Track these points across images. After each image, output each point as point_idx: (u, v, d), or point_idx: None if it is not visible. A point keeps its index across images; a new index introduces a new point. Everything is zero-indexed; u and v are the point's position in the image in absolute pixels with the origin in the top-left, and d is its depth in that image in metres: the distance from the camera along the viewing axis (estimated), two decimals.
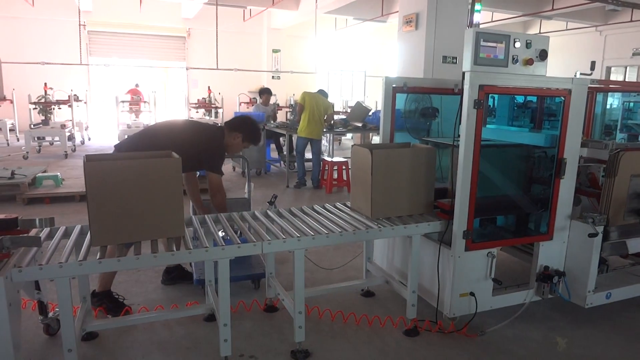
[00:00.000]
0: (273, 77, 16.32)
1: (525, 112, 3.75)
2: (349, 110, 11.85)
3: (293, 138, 7.90)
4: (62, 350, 2.48)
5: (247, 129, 3.46)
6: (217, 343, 2.59)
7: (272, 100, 9.57)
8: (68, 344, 2.24)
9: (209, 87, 13.91)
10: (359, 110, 8.97)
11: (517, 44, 2.78)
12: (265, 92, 9.45)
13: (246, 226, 2.80)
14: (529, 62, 2.82)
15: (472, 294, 2.95)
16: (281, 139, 9.61)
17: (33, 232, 2.52)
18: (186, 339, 2.89)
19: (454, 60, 7.23)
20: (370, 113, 9.05)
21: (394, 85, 3.43)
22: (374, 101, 14.03)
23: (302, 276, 2.62)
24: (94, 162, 2.32)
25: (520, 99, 3.75)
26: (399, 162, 2.93)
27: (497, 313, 3.07)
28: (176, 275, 3.59)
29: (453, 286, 2.91)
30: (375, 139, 10.36)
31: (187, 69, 15.67)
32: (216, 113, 13.53)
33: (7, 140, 11.39)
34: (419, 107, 3.76)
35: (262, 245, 2.48)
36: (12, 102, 11.23)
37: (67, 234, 2.58)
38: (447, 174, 3.35)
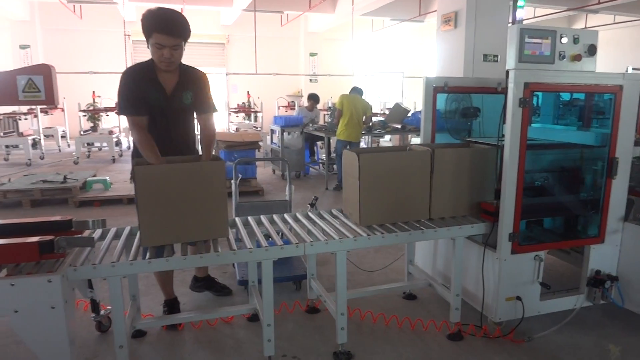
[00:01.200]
0: (310, 80, 16.43)
1: (571, 110, 3.62)
2: (387, 112, 11.79)
3: (332, 140, 7.92)
4: (113, 347, 2.58)
5: (143, 22, 2.72)
6: (261, 343, 2.63)
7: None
8: (119, 341, 2.32)
9: (247, 91, 14.16)
10: (398, 112, 8.90)
11: (564, 40, 2.69)
12: (312, 98, 9.56)
13: (288, 228, 2.83)
14: (576, 57, 2.72)
15: (518, 298, 2.87)
16: (319, 143, 9.67)
17: (86, 233, 2.63)
18: (230, 338, 2.94)
19: (495, 59, 7.07)
20: (409, 114, 8.97)
21: (434, 85, 3.39)
22: (412, 102, 13.90)
23: (344, 278, 2.62)
24: (143, 167, 2.41)
25: (566, 96, 3.62)
26: (402, 166, 2.82)
27: (545, 319, 2.98)
28: (202, 285, 3.52)
29: (499, 290, 2.84)
30: (414, 140, 10.25)
31: (226, 75, 16.00)
32: (255, 117, 13.74)
33: (59, 146, 11.96)
34: (459, 107, 3.70)
35: (304, 246, 2.50)
36: (63, 110, 11.80)
37: (117, 235, 2.69)
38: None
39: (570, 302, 3.01)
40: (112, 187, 6.93)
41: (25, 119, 11.41)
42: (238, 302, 3.47)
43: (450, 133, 3.68)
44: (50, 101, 2.21)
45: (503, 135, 2.78)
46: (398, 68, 18.00)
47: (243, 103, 14.04)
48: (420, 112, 9.01)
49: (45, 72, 2.18)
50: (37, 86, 2.17)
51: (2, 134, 10.50)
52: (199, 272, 3.49)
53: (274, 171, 8.98)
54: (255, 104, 14.09)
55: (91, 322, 3.01)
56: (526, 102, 2.62)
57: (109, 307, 3.00)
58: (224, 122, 14.21)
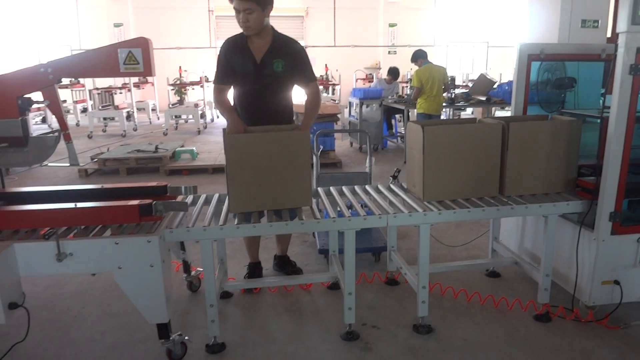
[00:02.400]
0: (389, 52, 16.06)
1: None
2: (469, 85, 11.27)
3: (411, 113, 7.73)
4: (203, 306, 2.75)
5: None
6: (340, 310, 2.68)
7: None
8: (210, 300, 2.46)
9: (326, 64, 14.12)
10: (483, 83, 8.47)
11: None
12: (392, 72, 9.37)
13: (370, 199, 2.82)
14: None
15: (616, 282, 2.67)
16: (397, 115, 9.48)
17: (179, 199, 2.80)
18: (311, 305, 3.03)
19: (595, 24, 6.45)
20: (494, 86, 8.51)
21: (529, 53, 3.16)
22: (498, 74, 13.16)
23: (427, 251, 2.57)
24: (232, 135, 2.49)
25: None
26: (467, 139, 2.67)
27: None
28: (276, 264, 3.53)
29: (594, 273, 2.66)
30: (498, 114, 9.74)
31: (305, 47, 16.06)
32: (333, 90, 13.72)
33: (150, 118, 12.75)
34: (552, 78, 3.44)
35: (387, 218, 2.48)
36: (153, 84, 12.52)
37: (207, 201, 2.83)
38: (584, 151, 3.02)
39: None
40: (198, 157, 7.30)
41: (120, 93, 12.26)
42: (318, 270, 3.55)
43: (542, 105, 3.43)
44: (147, 73, 2.31)
45: (606, 107, 2.55)
46: (483, 38, 17.04)
47: (321, 76, 14.05)
48: (506, 83, 8.55)
49: (143, 45, 2.28)
50: (136, 58, 2.28)
51: (100, 107, 11.37)
52: (279, 249, 3.53)
53: (351, 144, 8.97)
54: (333, 77, 14.05)
55: (182, 282, 3.23)
56: (638, 69, 2.37)
57: (199, 269, 3.20)
58: (302, 95, 14.34)
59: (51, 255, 2.13)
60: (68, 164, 2.50)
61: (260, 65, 2.91)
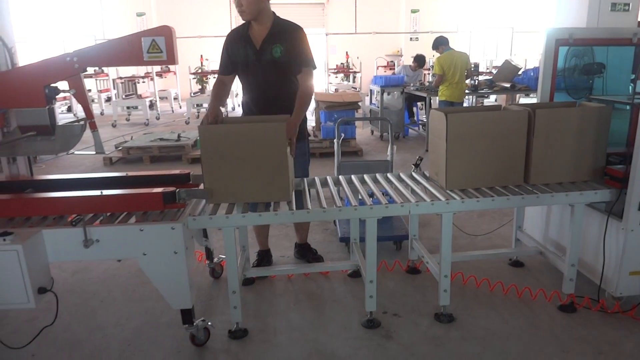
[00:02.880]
0: (411, 38, 15.81)
1: None
2: (493, 71, 11.05)
3: (433, 101, 7.62)
4: (225, 292, 2.79)
5: None
6: (360, 298, 2.68)
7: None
8: (233, 287, 2.50)
9: (346, 52, 14.02)
10: (508, 70, 8.29)
11: None
12: (418, 60, 9.27)
13: (392, 187, 2.80)
14: None
15: None
16: (418, 103, 9.37)
17: (201, 186, 2.82)
18: (332, 292, 3.04)
19: (626, 7, 6.23)
20: (519, 72, 8.32)
21: (557, 38, 3.07)
22: (523, 60, 12.86)
23: (449, 240, 2.55)
24: (205, 127, 2.46)
25: None
26: (490, 127, 2.61)
27: None
28: (297, 252, 3.55)
29: (622, 263, 2.60)
30: (523, 101, 9.54)
31: (326, 35, 15.94)
32: (354, 78, 13.62)
33: (172, 107, 12.88)
34: (580, 63, 3.33)
35: (409, 206, 2.46)
36: (175, 73, 12.61)
37: None
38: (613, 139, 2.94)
39: None
40: None
41: (143, 82, 12.40)
42: (339, 258, 3.56)
43: (569, 92, 3.34)
44: (171, 61, 2.32)
45: (637, 93, 2.47)
46: (507, 23, 16.63)
47: (342, 64, 13.97)
48: (532, 70, 8.34)
49: (166, 33, 2.29)
50: (160, 47, 2.29)
51: (123, 96, 11.52)
52: (298, 238, 3.55)
53: (372, 132, 8.91)
54: (353, 65, 13.95)
55: (205, 268, 3.27)
56: None
57: (221, 256, 3.25)
58: (322, 83, 14.28)
59: (78, 241, 2.18)
60: (94, 152, 2.55)
61: (260, 51, 2.89)
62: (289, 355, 2.44)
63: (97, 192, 2.38)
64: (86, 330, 2.71)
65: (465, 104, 7.85)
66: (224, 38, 3.05)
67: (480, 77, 8.45)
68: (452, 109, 2.94)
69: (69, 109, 12.29)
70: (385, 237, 3.51)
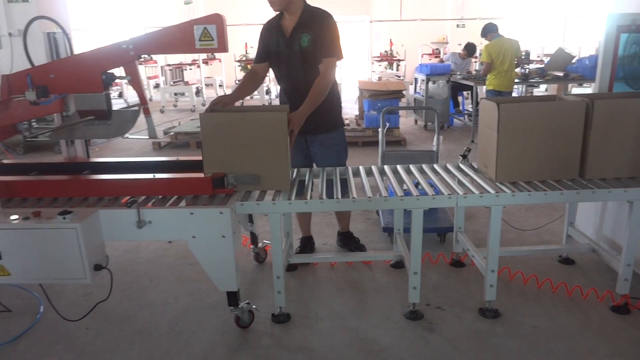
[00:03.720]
0: (458, 25, 15.39)
1: None
2: (544, 59, 10.62)
3: (479, 90, 7.41)
4: (268, 277, 2.84)
5: None
6: (403, 289, 2.67)
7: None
8: (277, 272, 2.53)
9: (390, 39, 13.80)
10: (561, 58, 7.95)
11: None
12: (469, 48, 9.04)
13: (438, 178, 2.75)
14: None
15: None
16: (464, 93, 9.14)
17: None
18: (373, 282, 3.04)
19: None
20: (573, 61, 7.96)
21: (619, 24, 2.91)
22: (577, 48, 12.28)
23: (497, 234, 2.49)
24: (207, 114, 2.49)
25: None
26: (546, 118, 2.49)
27: None
28: (340, 240, 3.55)
29: None
30: (576, 91, 9.13)
31: (370, 22, 15.74)
32: (397, 66, 13.42)
33: (217, 94, 13.09)
34: None
35: (457, 198, 2.41)
36: (220, 61, 12.82)
37: None
38: None
39: None
40: None
41: (190, 69, 12.66)
42: (381, 248, 3.55)
43: (627, 82, 3.16)
44: (221, 48, 2.35)
45: None
46: (560, 9, 15.90)
47: (385, 51, 13.77)
48: (587, 58, 7.95)
49: (218, 21, 2.32)
50: (211, 35, 2.33)
51: (171, 83, 11.82)
52: (340, 226, 3.56)
53: (415, 121, 8.77)
54: (397, 53, 13.72)
55: (249, 253, 3.34)
56: None
57: (264, 241, 3.30)
58: (366, 71, 14.15)
59: (132, 222, 2.26)
60: (147, 137, 2.63)
61: (289, 41, 2.89)
62: (331, 341, 2.46)
63: (149, 176, 2.46)
64: (136, 307, 2.82)
65: (514, 94, 7.59)
66: None
67: (531, 66, 8.13)
68: (504, 99, 2.85)
69: (120, 95, 12.74)
70: (430, 228, 3.46)
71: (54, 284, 2.99)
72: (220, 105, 2.64)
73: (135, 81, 2.43)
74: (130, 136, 3.03)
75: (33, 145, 6.72)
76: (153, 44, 2.42)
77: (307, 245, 3.45)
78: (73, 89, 2.50)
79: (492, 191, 2.44)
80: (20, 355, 2.42)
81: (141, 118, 2.59)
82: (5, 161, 3.00)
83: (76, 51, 2.81)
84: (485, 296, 2.59)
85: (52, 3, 5.96)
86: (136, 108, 2.58)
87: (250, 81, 3.10)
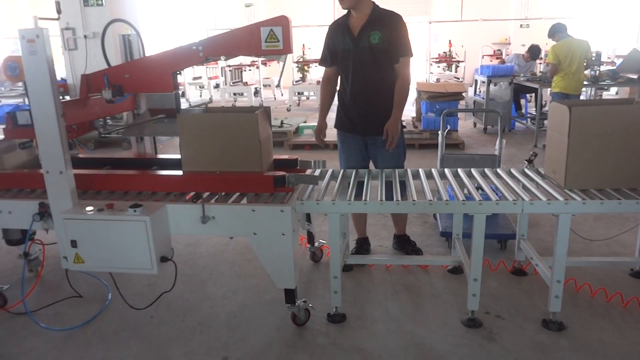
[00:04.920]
0: (521, 25, 14.82)
1: None
2: (615, 61, 10.03)
3: (543, 92, 7.10)
4: (324, 275, 2.86)
5: None
6: (461, 295, 2.61)
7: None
8: (334, 272, 2.55)
9: (449, 40, 13.51)
10: (635, 59, 7.45)
11: None
12: (532, 50, 8.75)
13: (502, 183, 2.67)
14: None
15: None
16: (527, 95, 8.79)
17: (308, 172, 2.90)
18: (431, 287, 2.98)
19: None
20: None
21: None
22: None
23: (565, 243, 2.38)
24: (184, 115, 2.55)
25: None
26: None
27: None
28: (395, 243, 3.51)
29: None
30: None
31: (429, 23, 15.47)
32: (457, 67, 13.12)
33: (274, 95, 13.36)
34: None
35: (522, 204, 2.33)
36: (278, 62, 13.03)
37: (334, 176, 2.89)
38: None
39: None
40: None
41: (249, 70, 12.96)
42: (438, 252, 3.48)
43: None
44: (287, 50, 2.39)
45: None
46: (634, 8, 14.93)
47: (444, 53, 13.49)
48: None
49: (284, 23, 2.37)
50: (277, 36, 2.38)
51: (231, 83, 12.15)
52: (397, 229, 3.52)
53: (474, 124, 8.53)
54: (456, 54, 13.40)
55: (306, 252, 3.37)
56: None
57: (320, 240, 3.33)
58: (423, 72, 13.92)
59: (197, 217, 2.35)
60: None
61: (357, 38, 2.91)
62: (386, 344, 2.44)
63: (214, 172, 2.55)
64: (197, 299, 2.93)
65: (582, 97, 7.21)
66: (326, 27, 3.12)
67: (603, 68, 7.70)
68: (574, 102, 2.72)
69: (182, 95, 13.24)
70: (491, 234, 3.35)
71: (123, 273, 3.15)
72: (324, 131, 3.20)
73: None
74: None
75: (103, 141, 7.10)
76: (221, 45, 2.49)
77: (363, 246, 3.44)
78: (146, 89, 2.64)
79: (560, 198, 2.34)
80: (89, 339, 2.57)
81: None
82: (80, 155, 3.21)
83: (147, 53, 2.96)
84: (550, 307, 2.48)
85: (125, 6, 6.30)
86: (203, 107, 2.68)
87: (328, 91, 3.24)
